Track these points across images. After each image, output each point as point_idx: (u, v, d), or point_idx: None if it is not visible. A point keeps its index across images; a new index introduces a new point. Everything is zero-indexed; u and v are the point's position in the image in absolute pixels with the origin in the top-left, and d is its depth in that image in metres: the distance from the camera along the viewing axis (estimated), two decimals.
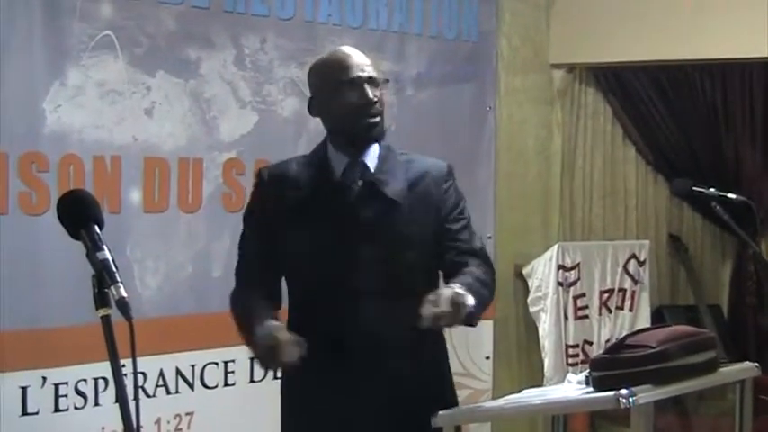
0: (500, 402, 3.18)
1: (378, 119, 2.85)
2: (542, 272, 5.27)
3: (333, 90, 2.84)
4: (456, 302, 2.57)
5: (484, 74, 4.98)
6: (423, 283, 2.77)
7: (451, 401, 2.99)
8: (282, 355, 2.61)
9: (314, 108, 2.93)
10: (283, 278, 2.97)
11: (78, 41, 3.66)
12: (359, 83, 2.82)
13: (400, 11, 4.58)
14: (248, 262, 2.96)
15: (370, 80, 2.85)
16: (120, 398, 1.95)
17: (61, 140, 3.63)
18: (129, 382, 1.98)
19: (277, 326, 2.71)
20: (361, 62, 2.87)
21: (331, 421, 2.84)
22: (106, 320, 1.96)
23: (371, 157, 2.88)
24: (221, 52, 4.04)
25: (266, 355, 2.68)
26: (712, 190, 3.92)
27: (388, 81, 2.94)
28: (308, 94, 2.98)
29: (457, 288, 2.63)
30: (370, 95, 2.81)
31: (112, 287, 1.95)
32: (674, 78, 5.78)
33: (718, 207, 3.84)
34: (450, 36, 4.80)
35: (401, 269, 2.84)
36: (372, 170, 2.87)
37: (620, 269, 5.44)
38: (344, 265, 2.80)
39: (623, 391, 2.57)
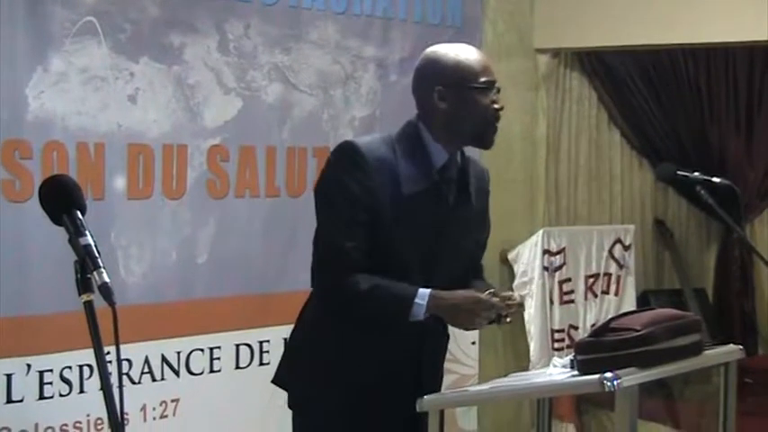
0: (486, 386, 3.18)
1: (497, 127, 2.91)
2: (528, 257, 5.28)
3: (467, 91, 2.86)
4: None
5: None
6: (466, 283, 2.96)
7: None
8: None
9: (442, 99, 2.89)
10: None
11: (61, 27, 3.64)
12: (494, 88, 2.89)
13: None
14: (358, 248, 2.81)
15: (496, 86, 2.90)
16: (105, 385, 1.95)
17: (44, 127, 3.61)
18: (113, 369, 1.97)
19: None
20: (491, 66, 2.92)
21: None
22: (89, 306, 1.95)
23: (457, 155, 2.96)
24: (205, 38, 4.02)
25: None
26: (697, 174, 3.92)
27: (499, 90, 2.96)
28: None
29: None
30: (500, 104, 2.88)
31: (95, 273, 1.95)
32: (659, 63, 5.80)
33: (702, 191, 3.84)
34: (434, 21, 4.78)
35: (463, 269, 2.98)
36: (460, 170, 2.94)
37: (605, 254, 5.45)
38: (428, 263, 2.87)
39: (608, 375, 2.57)
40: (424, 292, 2.78)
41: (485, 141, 2.93)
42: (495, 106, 2.88)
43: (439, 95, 2.88)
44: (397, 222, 2.81)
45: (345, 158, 2.84)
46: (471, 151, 3.06)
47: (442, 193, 2.89)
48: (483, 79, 2.87)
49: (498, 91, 2.90)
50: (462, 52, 2.93)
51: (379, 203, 2.80)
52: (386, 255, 2.83)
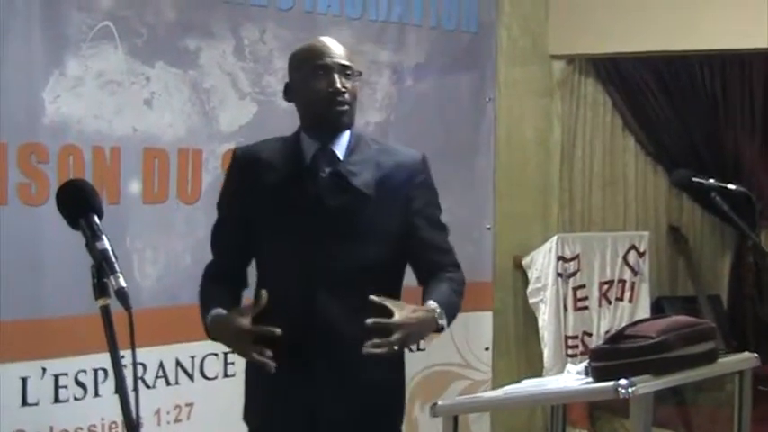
0: (499, 392, 3.18)
1: (345, 107, 2.84)
2: (542, 263, 5.27)
3: (304, 75, 2.86)
4: (409, 333, 2.66)
5: (483, 65, 4.97)
6: (388, 279, 2.86)
7: (398, 411, 2.97)
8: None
9: (288, 93, 2.95)
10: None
11: (78, 31, 3.66)
12: (329, 70, 2.83)
13: (400, 1, 4.57)
14: (220, 252, 3.02)
15: (343, 69, 2.84)
16: (120, 389, 1.95)
17: (60, 131, 3.63)
18: (128, 373, 1.97)
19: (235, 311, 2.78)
20: (335, 51, 2.87)
21: (290, 407, 2.84)
22: (105, 311, 1.95)
23: (341, 145, 2.88)
24: (221, 43, 4.03)
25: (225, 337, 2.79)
26: (712, 181, 3.91)
27: (361, 74, 2.93)
28: None
29: (431, 306, 2.75)
30: (338, 84, 2.81)
31: (112, 277, 1.95)
32: (674, 69, 5.78)
33: (717, 198, 3.83)
34: (449, 26, 4.79)
35: (365, 263, 2.82)
36: (341, 159, 2.86)
37: (619, 260, 5.44)
38: (308, 255, 2.79)
39: (622, 382, 2.57)
40: (213, 313, 2.82)
41: (326, 125, 2.86)
42: (330, 89, 2.81)
43: (286, 91, 2.95)
44: (260, 214, 2.86)
45: (229, 165, 3.03)
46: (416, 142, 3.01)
47: (307, 183, 2.84)
48: (311, 65, 2.84)
49: (344, 72, 2.84)
50: (308, 42, 2.95)
51: (245, 200, 2.89)
52: (262, 251, 2.90)
